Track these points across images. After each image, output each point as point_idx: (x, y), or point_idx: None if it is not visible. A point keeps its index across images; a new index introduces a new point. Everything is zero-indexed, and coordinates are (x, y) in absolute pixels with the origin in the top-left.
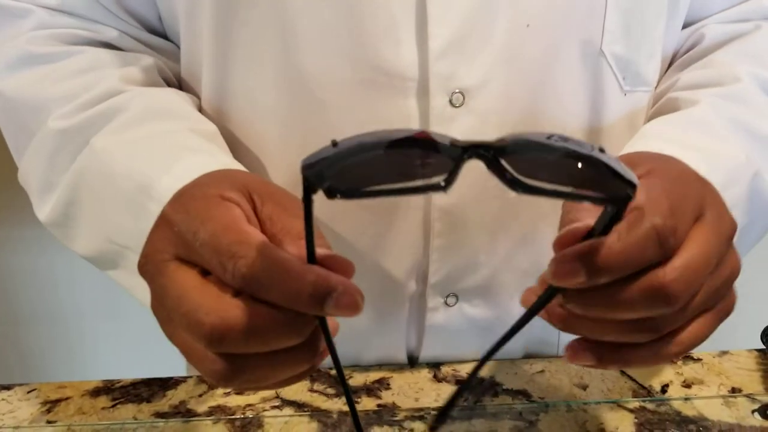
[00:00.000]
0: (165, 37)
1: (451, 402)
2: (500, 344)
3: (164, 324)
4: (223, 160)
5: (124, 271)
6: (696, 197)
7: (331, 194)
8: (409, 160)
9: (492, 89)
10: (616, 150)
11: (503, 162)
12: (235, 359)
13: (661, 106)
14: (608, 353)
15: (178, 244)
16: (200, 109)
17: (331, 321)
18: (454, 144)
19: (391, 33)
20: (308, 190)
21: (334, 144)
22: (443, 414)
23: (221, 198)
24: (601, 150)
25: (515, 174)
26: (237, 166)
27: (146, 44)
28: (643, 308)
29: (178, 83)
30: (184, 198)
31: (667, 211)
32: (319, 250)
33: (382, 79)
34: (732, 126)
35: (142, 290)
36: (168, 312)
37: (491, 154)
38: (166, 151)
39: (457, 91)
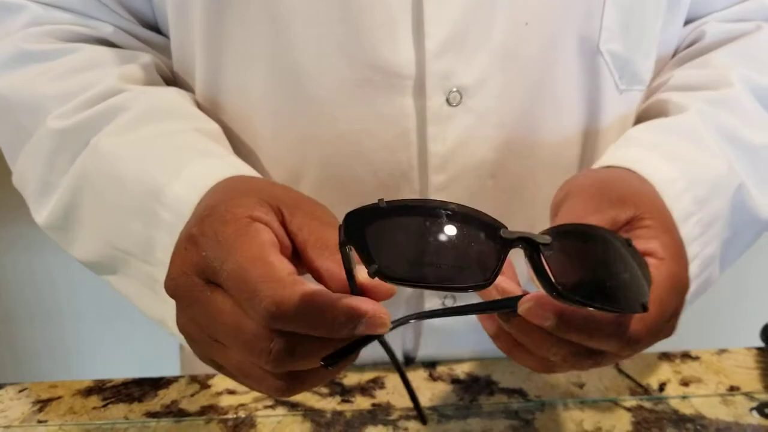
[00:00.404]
0: (159, 31)
1: (356, 344)
2: (430, 316)
3: (198, 344)
4: (233, 162)
5: (124, 278)
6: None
7: (368, 264)
8: (452, 243)
9: (490, 88)
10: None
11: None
12: (291, 373)
13: (650, 107)
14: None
15: (206, 270)
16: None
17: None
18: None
19: (388, 30)
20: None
21: (380, 205)
22: (343, 352)
23: (250, 219)
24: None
25: (552, 278)
26: (247, 168)
27: (141, 40)
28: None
29: (173, 78)
30: (212, 219)
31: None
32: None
33: (378, 77)
34: (719, 135)
35: (140, 297)
36: (210, 334)
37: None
38: (174, 153)
39: (454, 89)
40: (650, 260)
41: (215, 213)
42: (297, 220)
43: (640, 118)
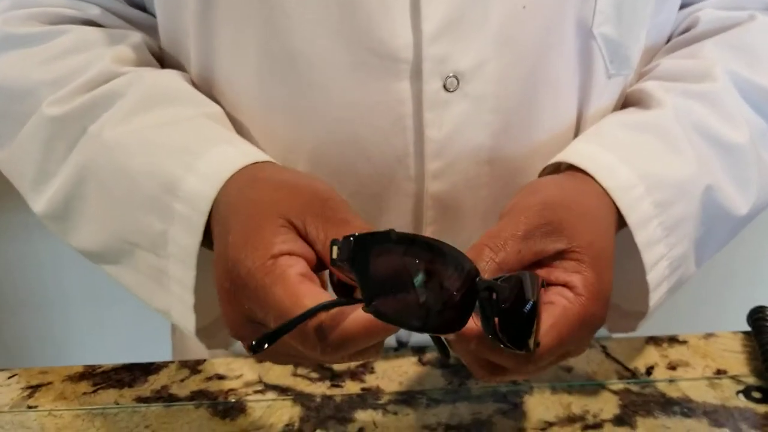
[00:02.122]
0: (145, 10)
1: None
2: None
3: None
4: (245, 149)
5: (126, 269)
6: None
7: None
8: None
9: (487, 73)
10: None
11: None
12: None
13: (630, 94)
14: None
15: (255, 319)
16: None
17: None
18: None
19: (385, 13)
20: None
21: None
22: (274, 334)
23: (273, 259)
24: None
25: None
26: (258, 152)
27: (129, 20)
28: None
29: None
30: (240, 271)
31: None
32: None
33: (374, 60)
34: (694, 132)
35: (144, 289)
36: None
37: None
38: (185, 143)
39: (451, 74)
40: (566, 293)
41: (240, 264)
42: (311, 229)
43: (623, 106)
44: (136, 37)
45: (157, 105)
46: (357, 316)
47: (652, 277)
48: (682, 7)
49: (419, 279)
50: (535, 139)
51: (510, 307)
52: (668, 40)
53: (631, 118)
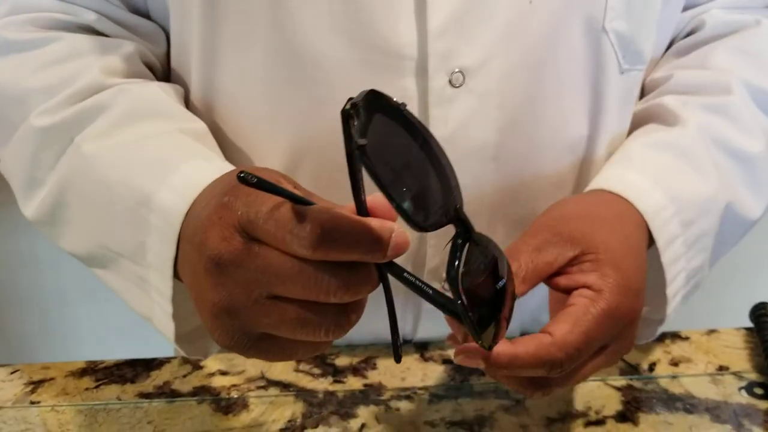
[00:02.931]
0: (148, 16)
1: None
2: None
3: (244, 315)
4: (219, 165)
5: (112, 273)
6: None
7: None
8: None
9: (493, 69)
10: (609, 133)
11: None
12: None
13: (649, 110)
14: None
15: (245, 225)
16: (188, 96)
17: None
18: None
19: (389, 10)
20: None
21: (401, 107)
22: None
23: (278, 177)
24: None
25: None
26: (231, 168)
27: (127, 26)
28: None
29: (161, 66)
30: (239, 191)
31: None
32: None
33: (379, 57)
34: (715, 148)
35: (129, 293)
36: (265, 289)
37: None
38: (161, 159)
39: (456, 70)
40: (585, 292)
41: (229, 194)
42: (302, 191)
43: (639, 120)
44: (129, 46)
45: (139, 119)
46: (346, 212)
47: (670, 290)
48: (687, 8)
49: (413, 158)
50: (541, 135)
51: (481, 273)
52: (672, 41)
53: (654, 138)
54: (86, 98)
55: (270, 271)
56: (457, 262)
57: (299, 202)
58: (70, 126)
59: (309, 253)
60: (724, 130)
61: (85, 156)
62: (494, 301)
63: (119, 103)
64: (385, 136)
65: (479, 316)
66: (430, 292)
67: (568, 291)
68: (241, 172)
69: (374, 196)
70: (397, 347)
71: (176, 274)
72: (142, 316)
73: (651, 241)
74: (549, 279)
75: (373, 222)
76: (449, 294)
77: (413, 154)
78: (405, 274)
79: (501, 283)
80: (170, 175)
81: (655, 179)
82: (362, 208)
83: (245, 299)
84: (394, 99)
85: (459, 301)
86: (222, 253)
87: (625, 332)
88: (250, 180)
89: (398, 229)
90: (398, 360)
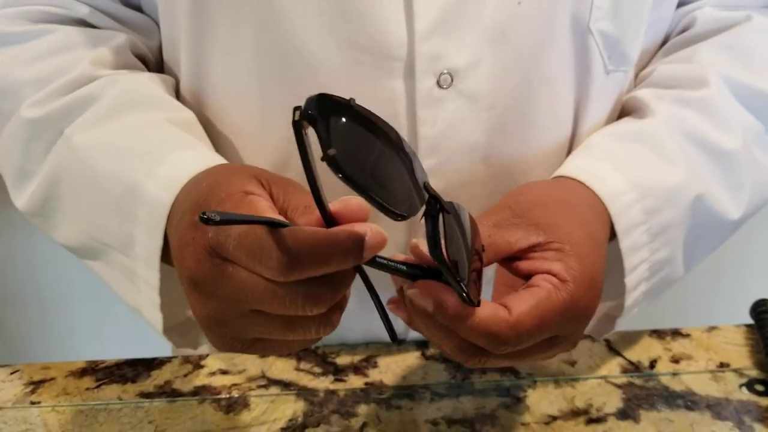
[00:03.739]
0: (140, 10)
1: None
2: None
3: (232, 325)
4: (207, 155)
5: (103, 265)
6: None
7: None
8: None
9: (481, 70)
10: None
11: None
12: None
13: (626, 103)
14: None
15: (216, 247)
16: (178, 90)
17: None
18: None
19: (377, 11)
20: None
21: (351, 104)
22: (230, 217)
23: (245, 193)
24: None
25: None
26: (219, 158)
27: (120, 20)
28: (473, 339)
29: (155, 58)
30: (210, 203)
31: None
32: (331, 206)
33: (368, 58)
34: (685, 140)
35: (119, 285)
36: (246, 305)
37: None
38: (149, 150)
39: (445, 72)
40: (551, 279)
41: (211, 196)
42: (278, 191)
43: (618, 115)
44: (120, 38)
45: (127, 110)
46: (315, 228)
47: (630, 279)
48: (680, 5)
49: (377, 152)
50: (530, 136)
51: (459, 238)
52: (666, 39)
53: (620, 128)
54: (76, 89)
55: (245, 291)
56: (437, 236)
57: (270, 225)
58: (59, 117)
59: (281, 279)
60: (696, 124)
61: (74, 147)
62: (471, 261)
63: (108, 95)
64: (345, 138)
65: (461, 279)
66: (405, 268)
67: (526, 276)
68: (203, 213)
69: (341, 201)
70: (391, 328)
71: (168, 261)
72: (132, 308)
73: (614, 232)
74: (506, 260)
75: (341, 233)
76: (421, 263)
77: (376, 147)
78: (377, 260)
79: (477, 245)
80: (156, 166)
81: (615, 165)
82: (330, 219)
83: (231, 313)
84: (340, 96)
85: (449, 272)
86: (197, 274)
87: (578, 328)
88: (213, 218)
89: (371, 229)
90: (394, 339)
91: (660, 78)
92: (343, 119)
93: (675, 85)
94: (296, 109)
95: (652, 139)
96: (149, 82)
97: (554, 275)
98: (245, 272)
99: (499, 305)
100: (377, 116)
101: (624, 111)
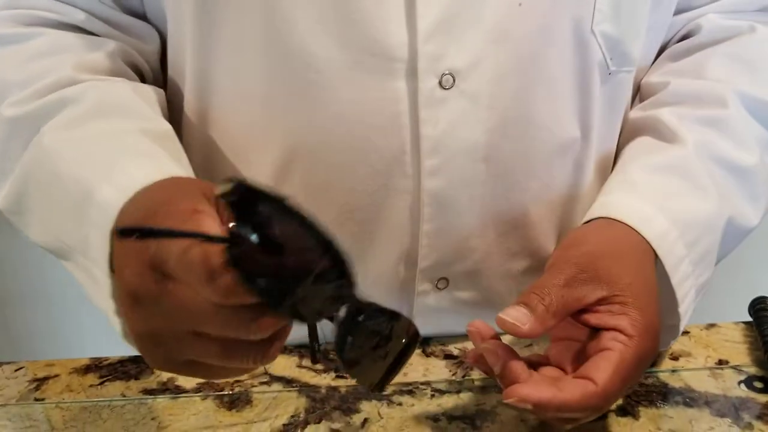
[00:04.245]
0: (144, 18)
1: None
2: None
3: (170, 344)
4: (167, 167)
5: (72, 265)
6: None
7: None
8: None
9: (483, 70)
10: (600, 135)
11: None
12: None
13: (646, 123)
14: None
15: (156, 263)
16: (181, 97)
17: None
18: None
19: (379, 12)
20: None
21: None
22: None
23: (194, 211)
24: None
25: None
26: (180, 171)
27: (118, 27)
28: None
29: (151, 68)
30: (157, 217)
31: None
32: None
33: (370, 60)
34: (713, 164)
35: (86, 286)
36: (186, 324)
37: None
38: (111, 155)
39: (446, 72)
40: (619, 336)
41: (159, 211)
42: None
43: (634, 129)
44: (111, 45)
45: (102, 116)
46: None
47: (682, 307)
48: (682, 11)
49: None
50: (531, 136)
51: (372, 341)
52: (666, 44)
53: (656, 160)
54: (56, 91)
55: (185, 311)
56: (345, 342)
57: (209, 240)
58: (36, 118)
59: (222, 302)
60: (720, 145)
61: (44, 147)
62: (378, 356)
63: (85, 99)
64: (263, 230)
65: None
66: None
67: (593, 327)
68: (121, 228)
69: None
70: (314, 351)
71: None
72: (101, 311)
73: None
74: (576, 314)
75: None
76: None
77: (304, 247)
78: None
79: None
80: (113, 172)
81: (657, 205)
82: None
83: (167, 331)
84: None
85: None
86: (137, 289)
87: (643, 371)
88: (130, 234)
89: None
90: (314, 362)
91: (676, 95)
92: (264, 216)
93: (693, 102)
94: (228, 180)
95: (686, 171)
96: (130, 92)
97: (621, 332)
98: (186, 290)
99: (583, 381)
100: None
101: (644, 129)
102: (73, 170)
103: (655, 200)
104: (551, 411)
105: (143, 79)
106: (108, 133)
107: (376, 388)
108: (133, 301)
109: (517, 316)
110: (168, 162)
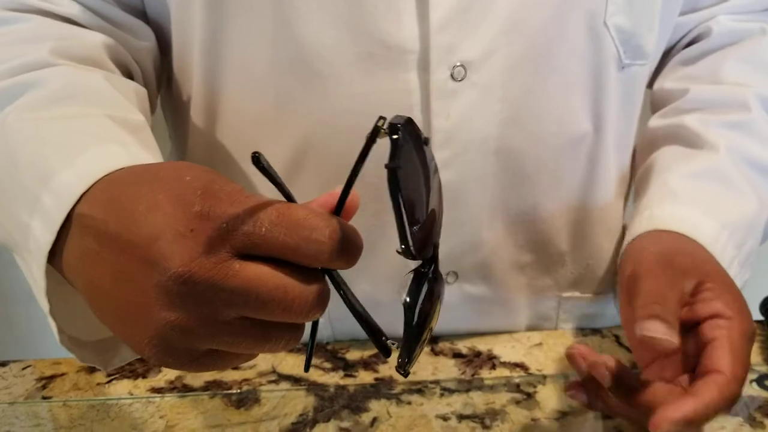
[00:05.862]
0: (142, 16)
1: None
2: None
3: (203, 334)
4: (136, 153)
5: (20, 260)
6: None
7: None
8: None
9: (495, 62)
10: (613, 129)
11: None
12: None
13: (674, 132)
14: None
15: (230, 239)
16: (190, 94)
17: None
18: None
19: (392, 4)
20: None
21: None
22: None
23: (243, 190)
24: None
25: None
26: (151, 159)
27: (111, 21)
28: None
29: (141, 67)
30: (215, 188)
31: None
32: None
33: (382, 52)
34: (746, 167)
35: (31, 284)
36: (245, 306)
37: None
38: (75, 140)
39: (458, 64)
40: (720, 322)
41: (213, 184)
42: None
43: (660, 139)
44: (97, 38)
45: (68, 100)
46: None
47: None
48: (691, 11)
49: (425, 193)
50: (543, 129)
51: (430, 306)
52: (675, 44)
53: (692, 167)
54: (26, 72)
55: (250, 293)
56: (417, 298)
57: (292, 200)
58: (4, 97)
59: (328, 260)
60: (750, 148)
61: (4, 129)
62: (422, 330)
63: (54, 82)
64: (412, 165)
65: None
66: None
67: (692, 324)
68: (255, 152)
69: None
70: (309, 358)
71: (63, 269)
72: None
73: None
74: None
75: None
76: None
77: (427, 189)
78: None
79: (430, 319)
80: (77, 157)
81: (704, 210)
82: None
83: (207, 319)
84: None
85: (410, 337)
86: (193, 271)
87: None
88: (263, 162)
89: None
90: (307, 369)
91: (697, 101)
92: (416, 150)
93: (715, 108)
94: (381, 117)
95: (723, 175)
96: (103, 80)
97: (719, 316)
98: (258, 269)
99: (712, 375)
100: (436, 165)
101: (671, 138)
102: (31, 155)
103: (700, 206)
104: (700, 419)
105: (136, 79)
106: (72, 117)
107: (408, 365)
108: (179, 286)
109: (658, 329)
110: (136, 147)
